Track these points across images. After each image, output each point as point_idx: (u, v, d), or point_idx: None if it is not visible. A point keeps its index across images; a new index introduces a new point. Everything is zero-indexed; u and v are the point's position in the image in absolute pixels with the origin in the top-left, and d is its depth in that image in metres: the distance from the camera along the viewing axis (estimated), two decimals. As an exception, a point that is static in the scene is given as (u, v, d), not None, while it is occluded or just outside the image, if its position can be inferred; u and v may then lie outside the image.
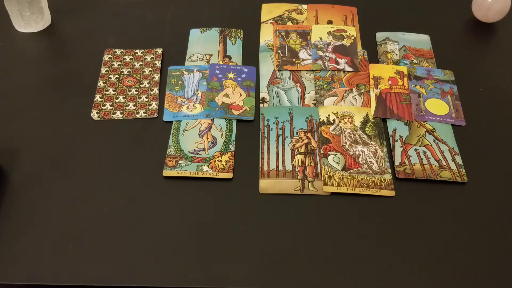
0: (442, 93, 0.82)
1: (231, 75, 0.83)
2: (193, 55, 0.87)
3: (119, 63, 0.85)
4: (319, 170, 0.71)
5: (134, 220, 0.66)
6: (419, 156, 0.73)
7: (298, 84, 0.82)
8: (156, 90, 0.81)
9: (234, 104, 0.79)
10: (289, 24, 0.93)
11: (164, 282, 0.60)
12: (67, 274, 0.60)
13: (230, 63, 0.86)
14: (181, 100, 0.80)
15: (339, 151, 0.73)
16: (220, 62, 0.86)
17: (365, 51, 0.88)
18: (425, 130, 0.76)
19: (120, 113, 0.78)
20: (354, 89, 0.82)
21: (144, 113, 0.78)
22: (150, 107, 0.79)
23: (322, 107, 0.79)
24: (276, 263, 0.62)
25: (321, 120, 0.77)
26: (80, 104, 0.79)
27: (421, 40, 0.91)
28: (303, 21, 0.93)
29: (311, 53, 0.87)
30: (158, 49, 0.88)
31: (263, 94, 0.81)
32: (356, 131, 0.76)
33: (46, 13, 0.90)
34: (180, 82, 0.82)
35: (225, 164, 0.71)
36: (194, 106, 0.79)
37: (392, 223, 0.66)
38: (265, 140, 0.74)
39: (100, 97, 0.80)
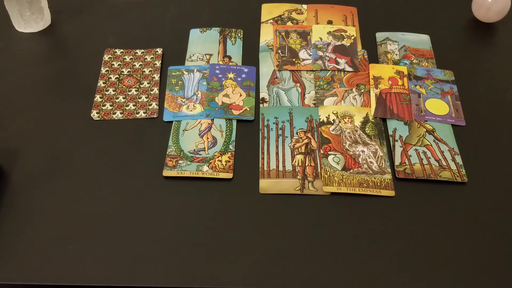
0: (442, 93, 0.82)
1: (231, 75, 0.83)
2: (193, 55, 0.87)
3: (119, 63, 0.85)
4: (319, 170, 0.71)
5: (134, 220, 0.66)
6: (419, 156, 0.73)
7: (298, 84, 0.82)
8: (156, 90, 0.81)
9: (234, 104, 0.79)
10: (289, 24, 0.93)
11: (164, 282, 0.60)
12: (67, 274, 0.60)
13: (230, 63, 0.86)
14: (181, 100, 0.80)
15: (339, 151, 0.73)
16: (220, 62, 0.86)
17: (365, 51, 0.88)
18: (425, 130, 0.76)
19: (120, 113, 0.78)
20: (354, 89, 0.82)
21: (144, 113, 0.78)
22: (150, 107, 0.79)
23: (322, 107, 0.79)
24: (276, 263, 0.62)
25: (321, 120, 0.77)
26: (80, 104, 0.79)
27: (421, 40, 0.91)
28: (303, 21, 0.93)
29: (311, 53, 0.87)
30: (158, 49, 0.88)
31: (263, 94, 0.81)
32: (356, 131, 0.76)
33: (46, 13, 0.90)
34: (180, 82, 0.82)
35: (225, 164, 0.71)
36: (194, 106, 0.79)
37: (392, 223, 0.66)
38: (265, 140, 0.74)
39: (100, 97, 0.80)
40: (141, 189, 0.69)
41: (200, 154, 0.73)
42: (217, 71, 0.84)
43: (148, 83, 0.82)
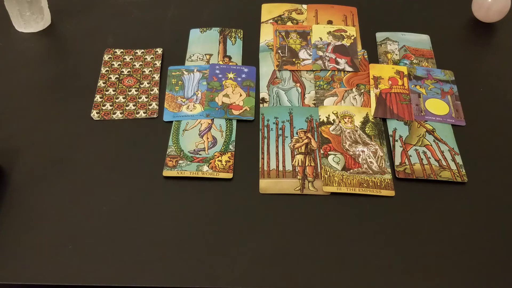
0: (442, 93, 0.82)
1: (231, 75, 0.83)
2: (193, 55, 0.87)
3: (119, 63, 0.85)
4: (319, 170, 0.71)
5: (134, 220, 0.66)
6: (419, 156, 0.73)
7: (298, 84, 0.82)
8: (156, 90, 0.81)
9: (234, 104, 0.79)
10: (289, 24, 0.93)
11: (164, 282, 0.60)
12: (67, 274, 0.60)
13: (230, 63, 0.86)
14: (181, 100, 0.80)
15: (339, 151, 0.73)
16: (220, 62, 0.86)
17: (365, 51, 0.88)
18: (425, 130, 0.76)
19: (120, 113, 0.78)
20: (354, 89, 0.82)
21: (144, 113, 0.78)
22: (150, 107, 0.79)
23: (322, 107, 0.79)
24: (276, 263, 0.62)
25: (321, 120, 0.77)
26: (80, 104, 0.79)
27: (421, 40, 0.91)
28: (303, 21, 0.93)
29: (311, 53, 0.87)
30: (158, 49, 0.88)
31: (263, 94, 0.81)
32: (356, 131, 0.76)
33: (46, 13, 0.90)
34: (180, 82, 0.82)
35: (225, 164, 0.71)
36: (194, 106, 0.79)
37: (392, 223, 0.66)
38: (265, 140, 0.74)
39: (100, 97, 0.80)
40: (141, 189, 0.69)
41: (200, 154, 0.73)
42: (217, 71, 0.84)
43: (148, 83, 0.82)
